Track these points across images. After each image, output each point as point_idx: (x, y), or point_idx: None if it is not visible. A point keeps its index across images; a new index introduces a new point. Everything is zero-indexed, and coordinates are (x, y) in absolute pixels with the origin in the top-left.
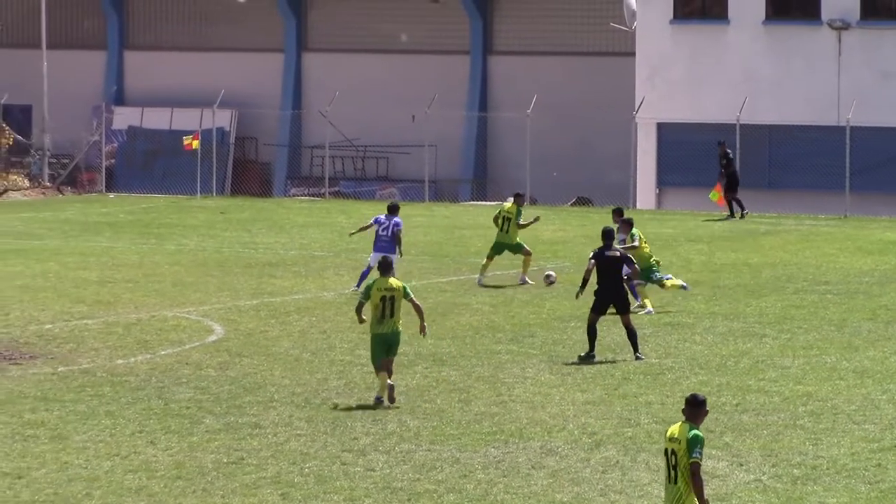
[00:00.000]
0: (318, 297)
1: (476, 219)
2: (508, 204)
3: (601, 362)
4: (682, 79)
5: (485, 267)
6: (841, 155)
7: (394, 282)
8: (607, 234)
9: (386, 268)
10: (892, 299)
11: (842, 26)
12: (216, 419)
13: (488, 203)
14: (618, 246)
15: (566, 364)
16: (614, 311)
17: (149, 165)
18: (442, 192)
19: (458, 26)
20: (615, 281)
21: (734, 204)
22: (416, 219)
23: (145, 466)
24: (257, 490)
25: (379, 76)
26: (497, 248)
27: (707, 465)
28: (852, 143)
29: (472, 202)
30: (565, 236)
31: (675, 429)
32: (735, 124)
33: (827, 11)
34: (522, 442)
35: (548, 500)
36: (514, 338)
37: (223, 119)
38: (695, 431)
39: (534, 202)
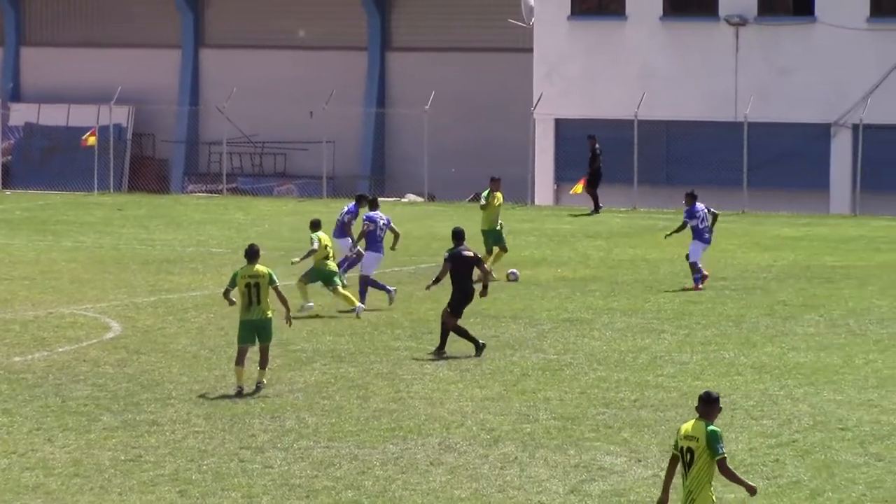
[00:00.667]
0: (216, 293)
1: None
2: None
3: (500, 359)
4: (579, 75)
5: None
6: (738, 151)
7: (259, 268)
8: (458, 235)
9: (252, 255)
10: (790, 295)
11: (739, 22)
12: (114, 416)
13: (387, 199)
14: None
15: (464, 360)
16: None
17: (46, 162)
18: (340, 188)
19: (356, 22)
20: (466, 280)
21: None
22: (315, 215)
23: (42, 464)
24: (155, 487)
25: (277, 72)
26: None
27: (605, 460)
28: (750, 138)
29: None
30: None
31: (688, 427)
32: (633, 120)
33: (724, 7)
34: (421, 438)
35: (446, 496)
36: (413, 334)
37: (120, 115)
38: (712, 428)
39: (432, 198)
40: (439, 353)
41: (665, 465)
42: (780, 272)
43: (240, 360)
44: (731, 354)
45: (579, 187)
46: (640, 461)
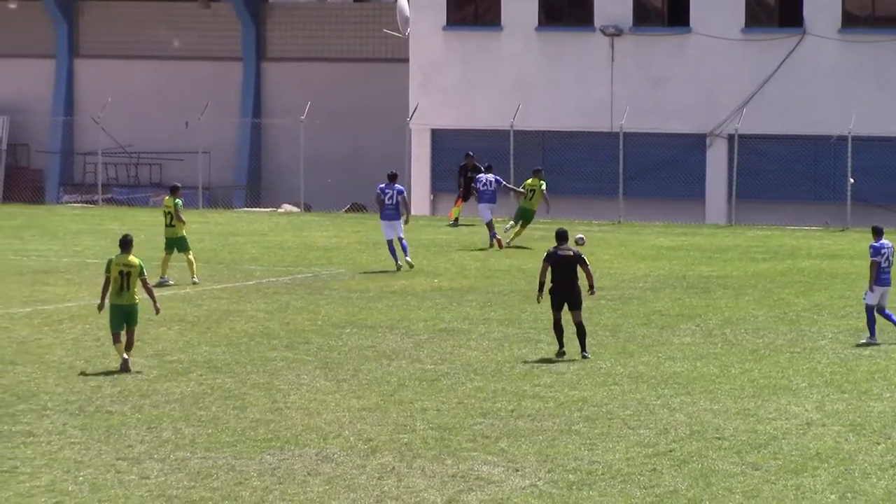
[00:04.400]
0: (92, 304)
1: (250, 225)
2: (530, 180)
3: (377, 369)
4: (455, 85)
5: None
6: (614, 161)
7: (132, 259)
8: (561, 236)
9: (126, 244)
10: (666, 305)
11: (614, 32)
12: None
13: (262, 210)
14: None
15: (341, 370)
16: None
17: None
18: (216, 198)
19: (231, 33)
20: (569, 279)
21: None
22: (191, 225)
23: None
24: (31, 499)
25: (152, 82)
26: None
27: (482, 470)
28: (625, 148)
29: (246, 209)
30: (339, 242)
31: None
32: (509, 130)
33: (599, 18)
34: (298, 449)
35: None
36: (290, 344)
37: None
38: None
39: (308, 209)
40: (561, 353)
41: (543, 475)
42: (656, 282)
43: (116, 340)
44: (607, 364)
45: (458, 210)
46: (517, 471)
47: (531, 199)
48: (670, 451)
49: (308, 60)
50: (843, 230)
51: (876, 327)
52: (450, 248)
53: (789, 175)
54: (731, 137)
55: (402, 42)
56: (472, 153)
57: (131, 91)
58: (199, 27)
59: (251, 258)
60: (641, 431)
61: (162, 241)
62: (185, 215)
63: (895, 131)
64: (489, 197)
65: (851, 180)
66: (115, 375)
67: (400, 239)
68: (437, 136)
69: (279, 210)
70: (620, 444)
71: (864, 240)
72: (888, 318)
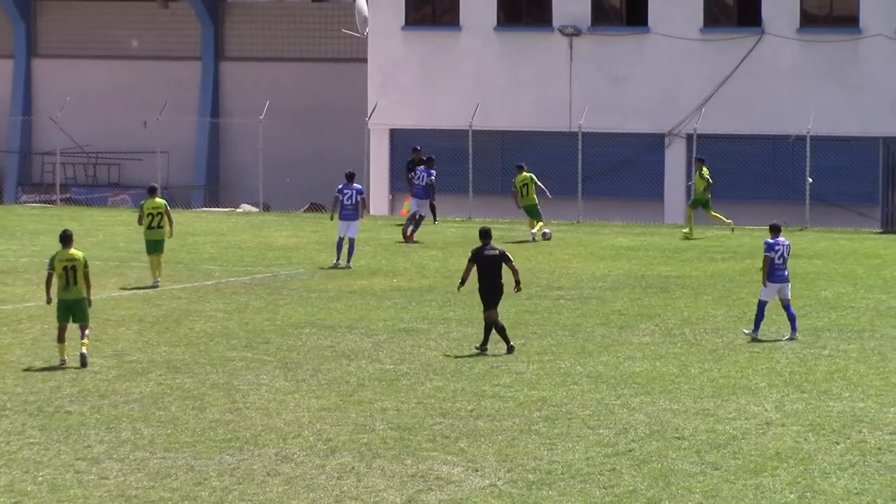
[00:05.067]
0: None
1: (209, 225)
2: (519, 177)
3: (336, 369)
4: (414, 85)
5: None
6: (573, 161)
7: (75, 252)
8: (485, 234)
9: (66, 239)
10: (625, 304)
11: (573, 32)
12: None
13: (221, 209)
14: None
15: (300, 370)
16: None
17: None
18: (174, 198)
19: (190, 32)
20: (495, 278)
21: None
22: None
23: None
24: None
25: (110, 82)
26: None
27: (442, 470)
28: (584, 148)
29: (204, 208)
30: (298, 242)
31: None
32: (468, 130)
33: (558, 18)
34: (257, 449)
35: None
36: (249, 344)
37: None
38: None
39: (267, 209)
40: (482, 349)
41: (503, 474)
42: (615, 282)
43: (61, 337)
44: (567, 364)
45: (408, 205)
46: (476, 471)
47: (527, 195)
48: (630, 451)
49: (267, 60)
50: (801, 230)
51: (762, 323)
52: (409, 248)
53: (748, 174)
54: (689, 137)
55: (361, 42)
56: (419, 147)
57: (90, 91)
58: (157, 27)
59: (210, 258)
60: (601, 431)
61: (123, 244)
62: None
63: (853, 131)
64: (418, 191)
65: (810, 180)
66: (75, 376)
67: (351, 239)
68: (397, 136)
69: (238, 210)
70: (580, 444)
71: (823, 239)
72: (790, 316)
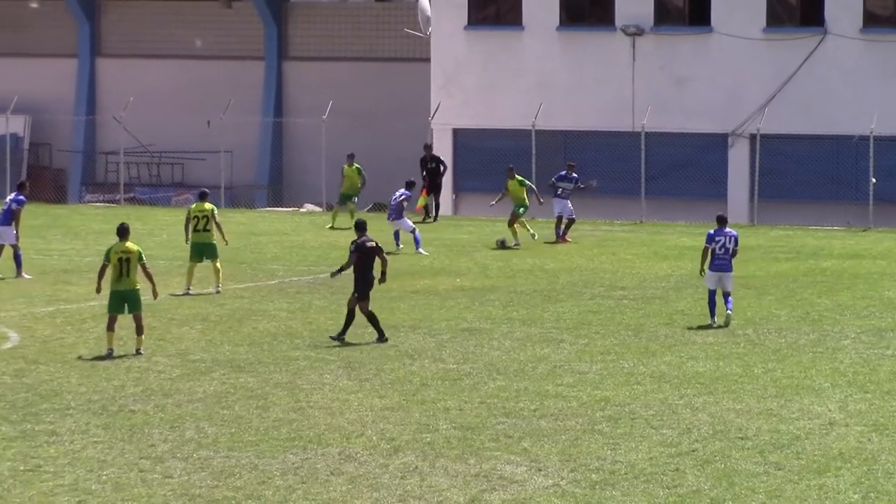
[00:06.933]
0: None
1: (272, 224)
2: (510, 183)
3: (400, 369)
4: (477, 85)
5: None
6: (636, 160)
7: (130, 245)
8: (360, 227)
9: (123, 232)
10: (688, 304)
11: (635, 32)
12: (12, 427)
13: (284, 209)
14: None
15: (364, 369)
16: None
17: None
18: (238, 198)
19: (253, 32)
20: (368, 269)
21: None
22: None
23: None
24: (54, 498)
25: (174, 82)
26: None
27: (505, 469)
28: (647, 148)
29: (267, 208)
30: None
31: None
32: (530, 130)
33: (621, 17)
34: (321, 448)
35: None
36: (312, 344)
37: (17, 125)
38: None
39: (330, 208)
40: (340, 338)
41: (566, 474)
42: (678, 282)
43: (110, 326)
44: (630, 364)
45: (424, 199)
46: (539, 470)
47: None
48: (693, 451)
49: (330, 60)
50: (865, 230)
51: (717, 310)
52: (472, 248)
53: (811, 175)
54: (752, 137)
55: (423, 42)
56: (430, 143)
57: (153, 90)
58: (220, 26)
59: (273, 257)
60: (664, 431)
61: (184, 243)
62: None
63: None
64: (392, 210)
65: (873, 180)
66: (139, 375)
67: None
68: (459, 136)
69: (301, 209)
70: (643, 444)
71: (887, 239)
72: (726, 302)
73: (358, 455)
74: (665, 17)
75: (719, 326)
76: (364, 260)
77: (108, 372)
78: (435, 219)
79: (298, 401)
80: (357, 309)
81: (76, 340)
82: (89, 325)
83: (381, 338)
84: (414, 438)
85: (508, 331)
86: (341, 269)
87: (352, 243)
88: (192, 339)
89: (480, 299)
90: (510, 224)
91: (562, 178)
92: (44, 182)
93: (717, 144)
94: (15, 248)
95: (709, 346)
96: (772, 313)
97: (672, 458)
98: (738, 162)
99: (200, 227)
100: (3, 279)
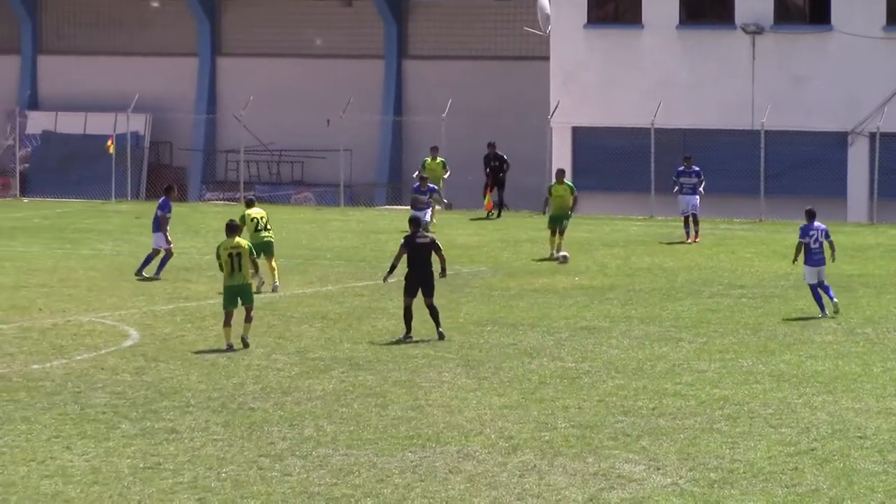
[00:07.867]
0: None
1: (392, 223)
2: (555, 186)
3: (518, 367)
4: (596, 83)
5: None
6: (756, 159)
7: (240, 241)
8: (414, 221)
9: (232, 229)
10: (807, 303)
11: (756, 31)
12: (132, 424)
13: (403, 207)
14: None
15: (482, 368)
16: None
17: (63, 170)
18: (357, 196)
19: (373, 31)
20: (425, 265)
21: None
22: (332, 223)
23: (61, 472)
24: (174, 495)
25: (294, 80)
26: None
27: (624, 468)
28: (767, 146)
29: (387, 206)
30: (481, 241)
31: None
32: (650, 128)
33: (740, 16)
34: (439, 446)
35: None
36: (431, 341)
37: (137, 123)
38: None
39: (449, 207)
40: (407, 338)
41: (684, 473)
42: (797, 280)
43: (227, 322)
44: (748, 363)
45: (489, 198)
46: (658, 469)
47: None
48: (812, 450)
49: (449, 58)
50: None
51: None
52: (591, 247)
53: None
54: (872, 136)
55: (542, 40)
56: (493, 142)
57: (273, 89)
58: (340, 25)
59: (392, 255)
60: (783, 430)
61: (307, 241)
62: (325, 212)
63: None
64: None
65: None
66: (258, 373)
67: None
68: (579, 134)
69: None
70: (762, 443)
71: None
72: (828, 292)
73: (476, 453)
74: (785, 15)
75: (831, 317)
76: (419, 256)
77: (228, 370)
78: (498, 216)
79: (417, 399)
80: (410, 306)
81: (196, 338)
82: (209, 323)
83: (440, 335)
84: (532, 437)
85: (627, 329)
86: (391, 270)
87: (404, 238)
88: (312, 336)
89: (599, 297)
90: (560, 233)
91: (681, 174)
92: (164, 180)
93: (836, 143)
94: (158, 251)
95: (828, 344)
96: (891, 312)
97: (791, 457)
98: (858, 160)
99: (262, 226)
100: (161, 280)
